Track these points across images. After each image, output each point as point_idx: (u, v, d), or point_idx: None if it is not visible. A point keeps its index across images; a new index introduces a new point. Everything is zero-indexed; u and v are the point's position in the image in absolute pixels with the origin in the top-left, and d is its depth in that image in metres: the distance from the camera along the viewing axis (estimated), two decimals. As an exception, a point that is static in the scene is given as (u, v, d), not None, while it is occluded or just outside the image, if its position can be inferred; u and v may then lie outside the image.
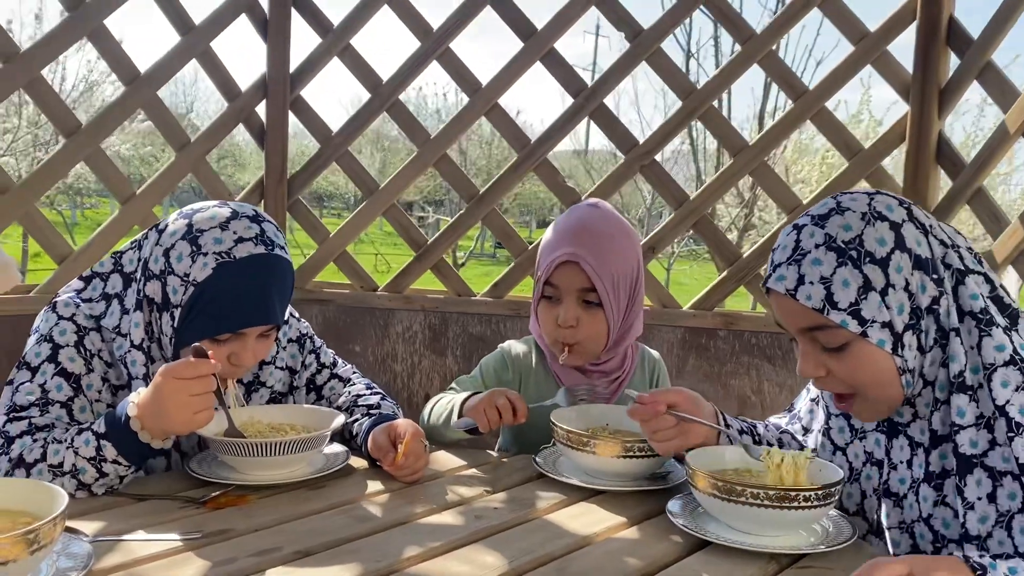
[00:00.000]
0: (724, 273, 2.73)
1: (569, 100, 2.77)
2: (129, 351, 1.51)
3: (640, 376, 1.91)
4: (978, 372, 1.21)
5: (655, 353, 1.99)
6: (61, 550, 1.13)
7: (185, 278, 1.45)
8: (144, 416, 1.36)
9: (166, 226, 1.51)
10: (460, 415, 1.70)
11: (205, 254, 1.45)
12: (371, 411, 1.69)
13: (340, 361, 1.84)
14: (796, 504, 1.24)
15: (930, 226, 1.26)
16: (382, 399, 1.75)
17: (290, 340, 1.75)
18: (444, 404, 1.76)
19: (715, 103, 2.74)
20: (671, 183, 2.77)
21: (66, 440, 1.38)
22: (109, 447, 1.37)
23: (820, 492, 1.25)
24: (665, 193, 2.78)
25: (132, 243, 1.60)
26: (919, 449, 1.31)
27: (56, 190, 14.09)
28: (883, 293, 1.21)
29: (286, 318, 1.75)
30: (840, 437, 1.45)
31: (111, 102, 2.53)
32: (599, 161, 16.46)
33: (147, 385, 1.48)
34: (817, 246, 1.24)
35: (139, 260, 1.54)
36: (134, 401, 1.37)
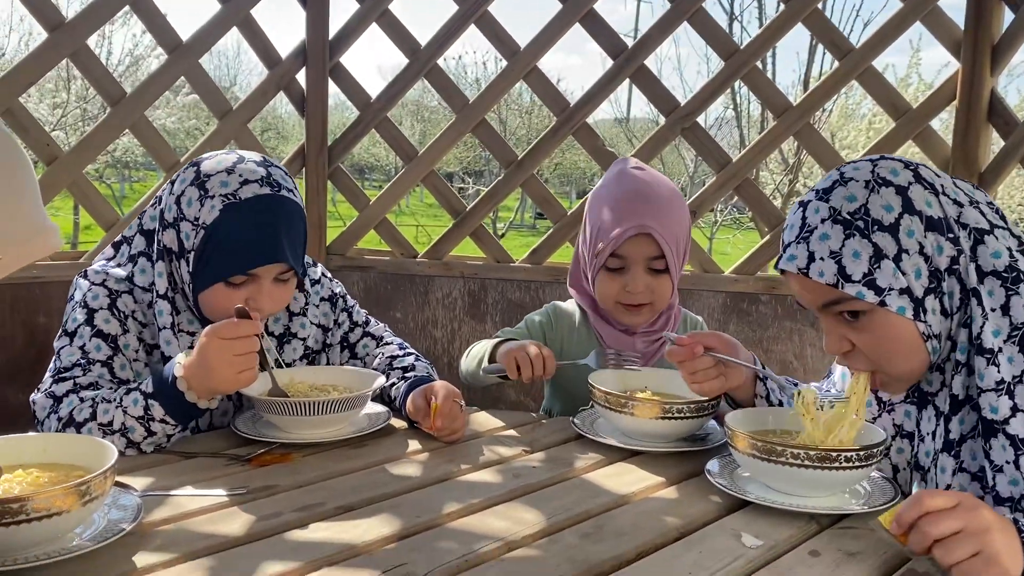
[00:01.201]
0: (767, 237, 2.69)
1: (609, 64, 2.74)
2: (156, 301, 1.55)
3: None
4: (999, 335, 1.17)
5: (698, 317, 2.01)
6: (112, 503, 1.16)
7: (195, 222, 1.49)
8: (190, 376, 1.39)
9: (178, 176, 1.56)
10: (492, 360, 1.75)
11: (212, 197, 1.49)
12: (407, 373, 1.70)
13: (372, 320, 1.87)
14: (837, 465, 1.23)
15: (941, 186, 1.22)
16: (416, 359, 1.77)
17: (323, 299, 1.78)
18: (479, 348, 1.82)
19: (759, 65, 2.68)
20: (713, 146, 2.73)
21: (115, 400, 1.42)
22: (157, 406, 1.40)
23: (862, 453, 1.24)
24: (707, 156, 2.74)
25: (153, 201, 1.64)
26: (940, 418, 1.29)
27: (104, 163, 14.34)
28: (896, 259, 1.18)
29: (317, 277, 1.78)
30: (867, 412, 1.43)
31: (155, 71, 2.56)
32: (640, 129, 16.27)
33: (174, 334, 1.53)
34: (823, 220, 1.22)
35: (159, 214, 1.58)
36: (180, 362, 1.40)
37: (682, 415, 1.50)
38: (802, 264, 1.23)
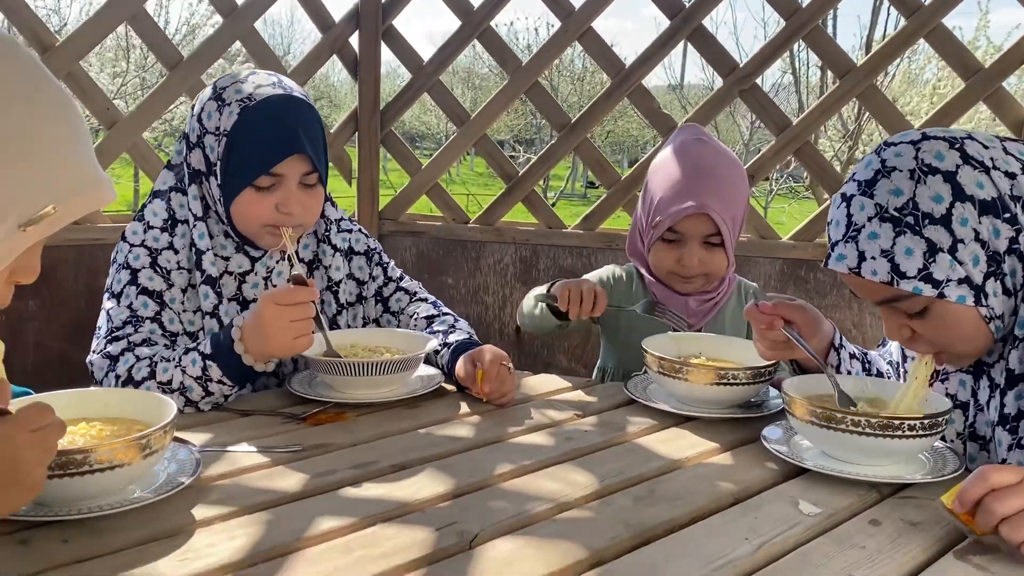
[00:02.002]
0: (827, 203, 2.62)
1: (664, 26, 2.67)
2: (195, 225, 1.59)
3: (736, 302, 1.93)
4: None
5: (753, 284, 2.01)
6: (171, 457, 1.19)
7: (217, 132, 1.54)
8: (247, 339, 1.41)
9: (197, 100, 1.61)
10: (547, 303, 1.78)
11: (229, 104, 1.54)
12: (448, 337, 1.70)
13: (407, 277, 1.87)
14: (900, 433, 1.19)
15: (991, 160, 1.15)
16: (455, 320, 1.77)
17: (357, 253, 1.80)
18: (538, 289, 1.87)
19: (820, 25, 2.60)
20: (773, 108, 2.66)
21: (174, 359, 1.44)
22: (214, 368, 1.42)
23: (926, 422, 1.20)
24: (766, 119, 2.67)
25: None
26: (996, 391, 1.24)
27: (163, 132, 14.59)
28: (952, 251, 1.13)
29: (349, 228, 1.80)
30: None
31: (211, 35, 2.58)
32: (695, 95, 15.98)
33: (214, 256, 1.59)
34: (870, 219, 1.17)
35: (183, 141, 1.62)
36: (239, 325, 1.42)
37: (738, 381, 1.48)
38: (852, 264, 1.19)
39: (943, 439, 1.34)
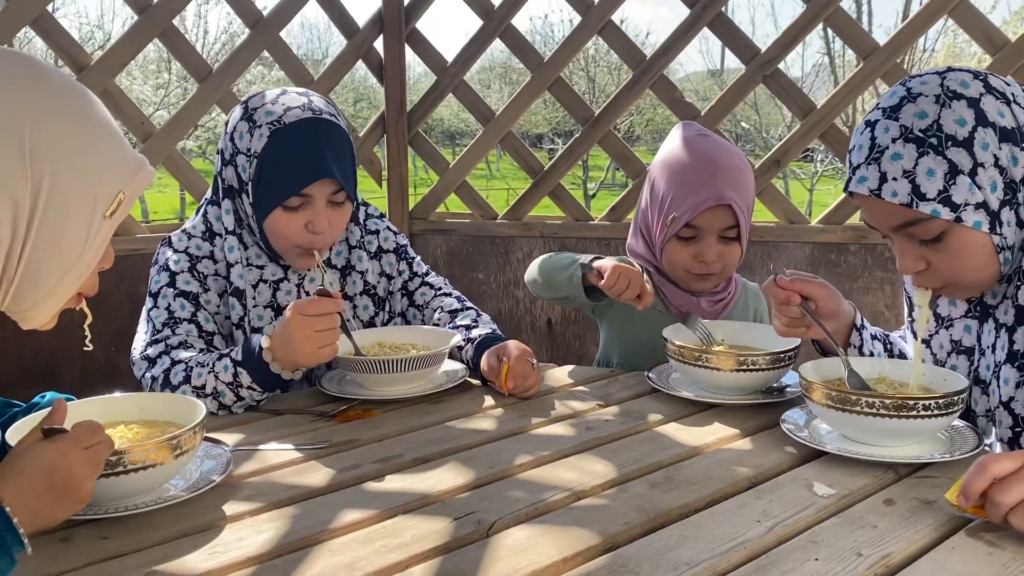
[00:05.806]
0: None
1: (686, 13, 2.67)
2: (225, 238, 1.65)
3: (743, 303, 1.90)
4: None
5: (753, 284, 1.96)
6: (205, 456, 1.24)
7: (248, 153, 1.59)
8: (275, 348, 1.46)
9: (230, 117, 1.66)
10: (583, 271, 1.72)
11: (260, 126, 1.58)
12: (470, 332, 1.73)
13: (432, 273, 1.91)
14: (915, 413, 1.20)
15: (1012, 95, 1.18)
16: (477, 315, 1.81)
17: (387, 251, 1.85)
18: (564, 255, 1.82)
19: (843, 6, 2.57)
20: (796, 92, 2.65)
21: (208, 364, 1.50)
22: (244, 374, 1.48)
23: (941, 401, 1.20)
24: (790, 103, 2.66)
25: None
26: (1002, 330, 1.25)
27: (207, 140, 14.88)
28: (972, 174, 1.15)
29: (376, 228, 1.85)
30: (924, 330, 1.38)
31: (238, 46, 2.65)
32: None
33: (244, 268, 1.65)
34: (894, 140, 1.18)
35: (219, 157, 1.68)
36: (268, 333, 1.47)
37: (758, 367, 1.49)
38: (873, 186, 1.20)
39: None
